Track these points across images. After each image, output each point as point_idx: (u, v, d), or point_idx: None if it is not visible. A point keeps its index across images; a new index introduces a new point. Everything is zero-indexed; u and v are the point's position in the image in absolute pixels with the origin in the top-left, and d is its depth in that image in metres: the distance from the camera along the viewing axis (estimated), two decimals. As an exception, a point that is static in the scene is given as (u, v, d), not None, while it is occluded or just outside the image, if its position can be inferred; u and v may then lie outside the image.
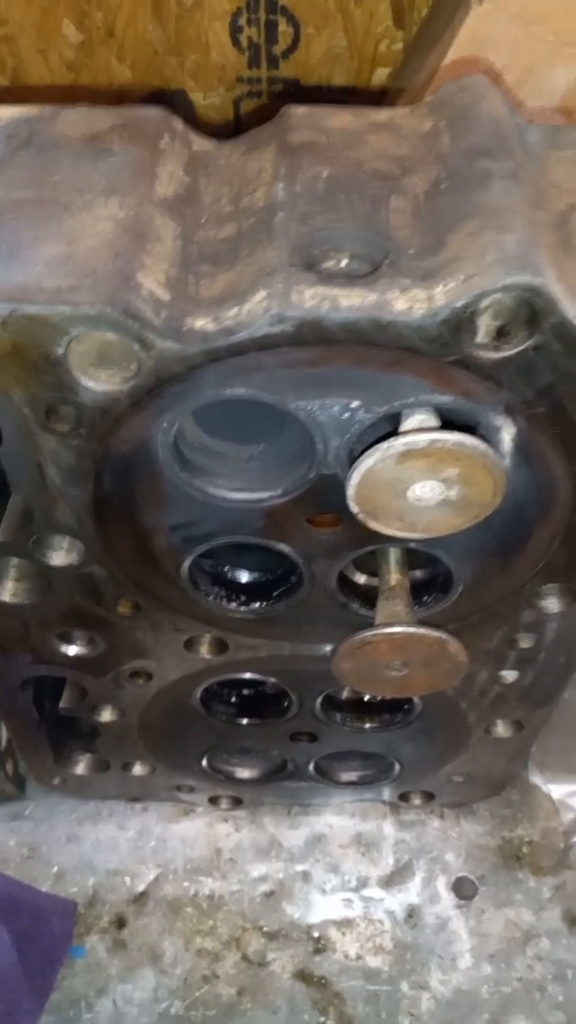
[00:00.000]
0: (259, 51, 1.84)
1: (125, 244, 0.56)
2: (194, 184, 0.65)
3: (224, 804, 1.15)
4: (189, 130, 0.69)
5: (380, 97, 1.83)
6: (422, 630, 0.66)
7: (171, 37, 1.83)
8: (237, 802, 1.15)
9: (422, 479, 0.59)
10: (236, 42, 1.84)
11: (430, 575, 0.78)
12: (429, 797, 1.12)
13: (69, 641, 0.82)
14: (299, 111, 0.68)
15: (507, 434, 0.59)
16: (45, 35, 1.81)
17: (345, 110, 0.68)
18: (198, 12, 1.76)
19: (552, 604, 0.75)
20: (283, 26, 1.80)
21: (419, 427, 0.58)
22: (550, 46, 1.41)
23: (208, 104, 1.97)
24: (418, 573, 0.78)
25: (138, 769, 1.08)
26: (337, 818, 1.16)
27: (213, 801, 1.15)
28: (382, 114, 0.67)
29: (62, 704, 0.94)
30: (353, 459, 0.60)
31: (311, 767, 1.06)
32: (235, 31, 1.81)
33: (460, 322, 0.52)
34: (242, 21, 1.79)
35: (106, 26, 1.80)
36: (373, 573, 0.76)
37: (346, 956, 1.07)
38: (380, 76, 1.86)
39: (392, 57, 1.83)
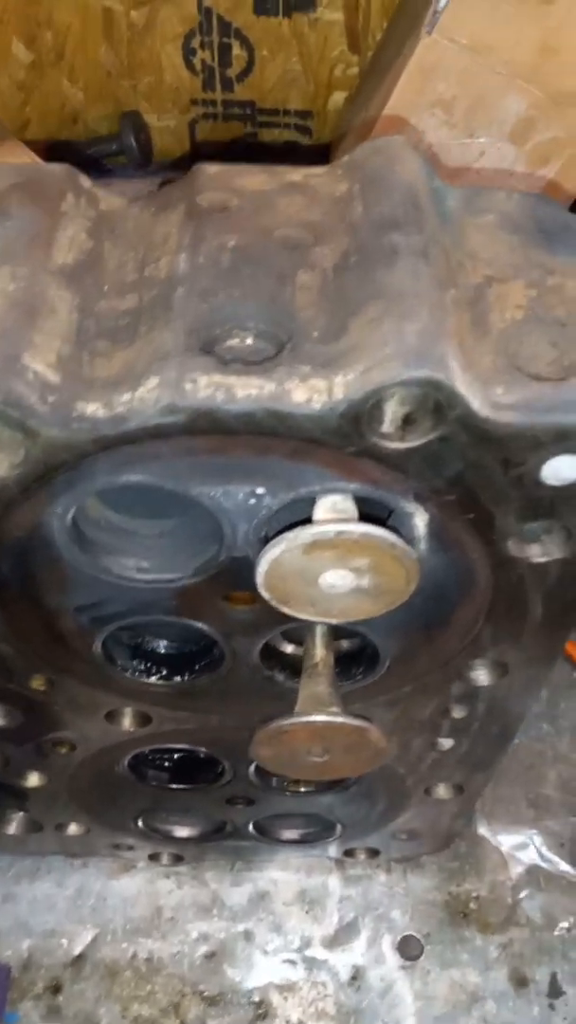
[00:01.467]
0: (213, 74, 1.81)
1: (12, 320, 0.53)
2: (98, 248, 0.62)
3: (165, 860, 1.12)
4: (96, 187, 0.66)
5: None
6: (340, 719, 0.63)
7: (123, 59, 1.80)
8: (178, 858, 1.12)
9: (332, 568, 0.56)
10: (189, 64, 1.81)
11: (358, 646, 0.75)
12: (375, 853, 1.09)
13: (-16, 713, 0.79)
14: (211, 170, 0.64)
15: (420, 520, 0.56)
16: (-7, 58, 1.77)
17: (258, 169, 0.65)
18: (149, 35, 1.73)
19: (482, 677, 0.73)
20: (237, 49, 1.77)
21: (329, 516, 0.55)
22: (500, 77, 1.39)
23: (163, 126, 1.94)
24: (345, 644, 0.75)
25: (73, 829, 1.04)
26: (281, 873, 1.13)
27: (153, 858, 1.12)
28: (297, 174, 0.64)
29: (-14, 770, 0.90)
30: (265, 541, 0.57)
31: (251, 827, 1.02)
32: (188, 53, 1.79)
33: (359, 415, 0.49)
34: (195, 43, 1.77)
35: (56, 47, 1.77)
36: (300, 642, 0.73)
37: (288, 1022, 1.03)
38: (336, 100, 1.84)
39: (348, 81, 1.81)
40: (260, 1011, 1.04)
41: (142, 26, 1.77)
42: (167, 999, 1.05)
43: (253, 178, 0.64)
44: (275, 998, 1.05)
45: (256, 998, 1.05)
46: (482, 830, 1.15)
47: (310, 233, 0.59)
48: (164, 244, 0.61)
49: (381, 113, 1.43)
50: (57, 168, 0.65)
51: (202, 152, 1.95)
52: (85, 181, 0.66)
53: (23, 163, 0.65)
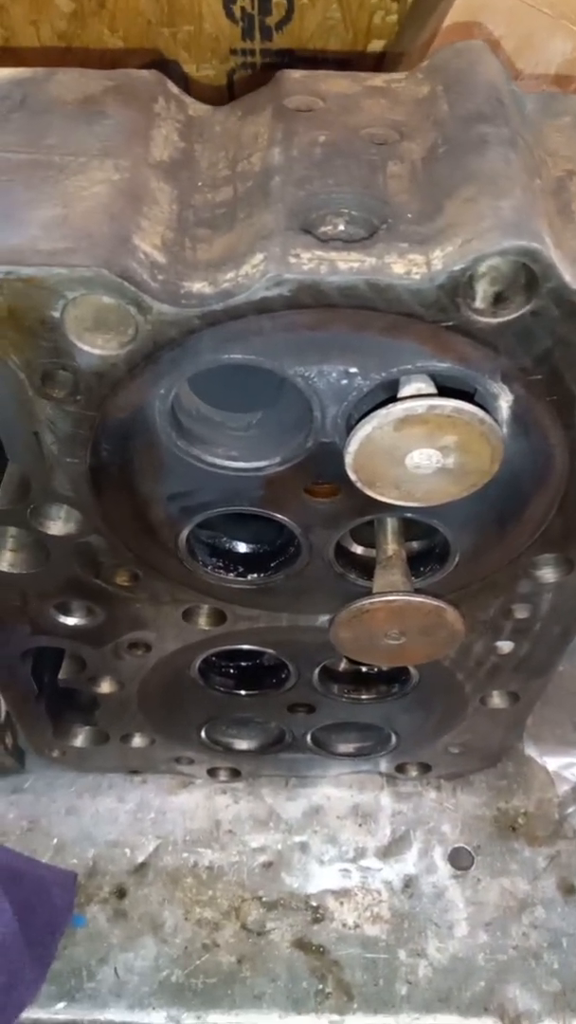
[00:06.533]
0: (253, 22, 1.81)
1: (121, 207, 0.56)
2: (190, 148, 0.65)
3: (223, 776, 1.16)
4: (183, 94, 0.68)
5: (377, 64, 1.81)
6: (419, 598, 0.66)
7: (164, 7, 1.80)
8: (235, 774, 1.16)
9: (420, 446, 0.59)
10: (229, 13, 1.81)
11: (427, 546, 0.78)
12: (426, 768, 1.13)
13: (68, 612, 0.83)
14: (295, 75, 0.67)
15: (504, 402, 0.59)
16: (37, 5, 1.78)
17: (341, 75, 0.67)
18: (191, -18, 1.73)
19: (548, 574, 0.76)
20: (277, -4, 1.77)
21: (417, 393, 0.58)
22: (547, 17, 1.40)
23: (202, 76, 1.94)
24: (415, 544, 0.78)
25: (137, 741, 1.08)
26: (334, 790, 1.17)
27: (212, 773, 1.16)
28: (378, 79, 0.67)
29: (61, 675, 0.94)
30: (351, 427, 0.60)
31: (309, 738, 1.06)
32: (228, 2, 1.79)
33: (457, 287, 0.51)
34: (235, -9, 1.77)
35: (98, -4, 1.77)
36: (370, 544, 0.76)
37: (344, 925, 1.08)
38: (375, 48, 1.84)
39: (387, 29, 1.80)
40: (317, 915, 1.08)
41: (184, -27, 1.76)
42: (228, 903, 1.09)
43: (337, 82, 0.67)
44: (331, 903, 1.09)
45: (313, 903, 1.09)
46: (529, 751, 1.19)
47: (396, 131, 0.62)
48: (255, 143, 0.63)
49: (426, 52, 1.43)
50: (147, 73, 0.68)
51: (241, 102, 1.95)
52: (173, 87, 0.68)
53: (113, 70, 0.68)
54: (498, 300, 0.54)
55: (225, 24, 1.84)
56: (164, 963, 1.06)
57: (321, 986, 1.04)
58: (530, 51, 1.44)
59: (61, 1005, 1.03)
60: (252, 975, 1.05)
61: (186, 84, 1.96)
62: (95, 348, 0.56)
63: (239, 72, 1.95)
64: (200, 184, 0.62)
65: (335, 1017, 1.02)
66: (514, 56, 1.45)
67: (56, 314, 0.54)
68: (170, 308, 0.53)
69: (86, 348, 0.56)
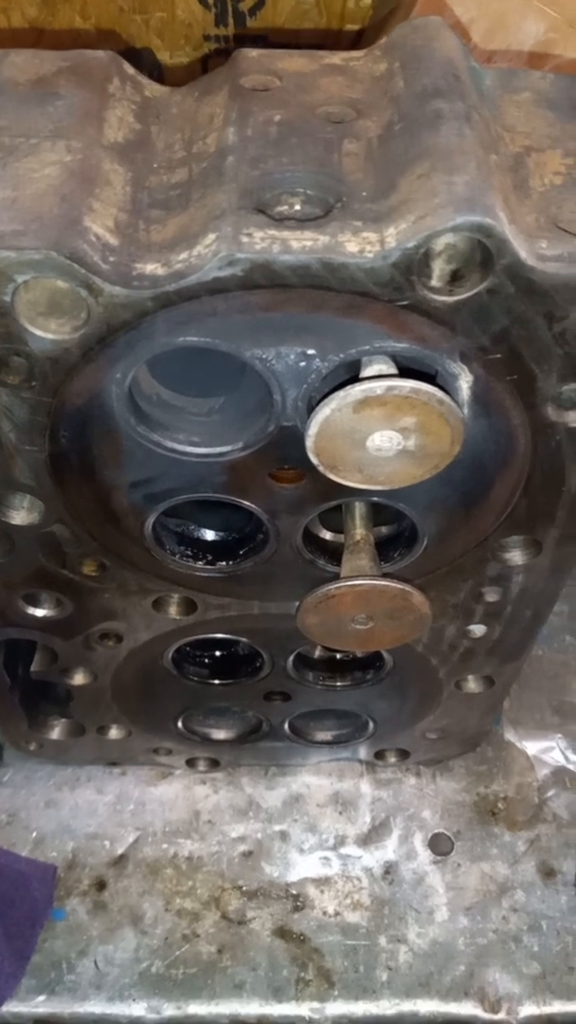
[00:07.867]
0: (226, 8, 1.79)
1: (72, 188, 0.55)
2: (145, 130, 0.64)
3: (201, 766, 1.15)
4: (139, 75, 0.67)
5: (355, 44, 1.79)
6: (384, 582, 0.66)
7: (136, -6, 1.78)
8: (215, 764, 1.15)
9: (380, 428, 0.58)
10: (202, -1, 1.79)
11: (396, 530, 0.78)
12: (404, 755, 1.13)
13: (36, 603, 0.82)
14: (251, 54, 0.66)
15: (464, 382, 0.58)
16: (6, -8, 1.75)
17: (298, 53, 0.66)
18: (162, -33, 1.71)
19: (516, 556, 0.75)
20: (250, -19, 1.75)
21: (376, 375, 0.57)
22: (518, 0, 1.38)
23: (175, 63, 1.92)
24: (384, 529, 0.78)
25: (114, 733, 1.08)
26: (314, 778, 1.17)
27: (191, 763, 1.15)
28: (336, 57, 0.66)
29: (33, 668, 0.94)
30: (312, 409, 0.59)
31: (286, 727, 1.06)
32: (201, -13, 1.77)
33: (411, 264, 0.51)
34: (208, -24, 1.75)
35: (69, -18, 1.75)
36: (339, 530, 0.75)
37: (324, 913, 1.08)
38: (349, 33, 1.83)
39: (361, 14, 1.79)
40: (298, 903, 1.08)
41: (155, -42, 1.74)
42: (208, 893, 1.09)
43: (293, 61, 0.66)
44: (312, 891, 1.09)
45: (293, 891, 1.09)
46: (509, 736, 1.19)
47: (353, 109, 0.61)
48: (210, 123, 0.62)
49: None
50: (101, 54, 0.66)
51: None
52: (129, 68, 0.67)
53: (67, 50, 0.67)
54: (455, 278, 0.53)
55: (198, 10, 1.82)
56: (144, 954, 1.05)
57: (302, 974, 1.04)
58: (502, 33, 1.43)
59: (41, 998, 1.02)
60: (232, 964, 1.05)
61: (160, 71, 1.95)
62: (48, 332, 0.55)
63: (214, 59, 1.92)
64: (156, 165, 0.61)
65: (316, 1004, 1.02)
66: (486, 38, 1.44)
67: (7, 298, 0.53)
68: (122, 290, 0.53)
69: (39, 333, 0.55)
